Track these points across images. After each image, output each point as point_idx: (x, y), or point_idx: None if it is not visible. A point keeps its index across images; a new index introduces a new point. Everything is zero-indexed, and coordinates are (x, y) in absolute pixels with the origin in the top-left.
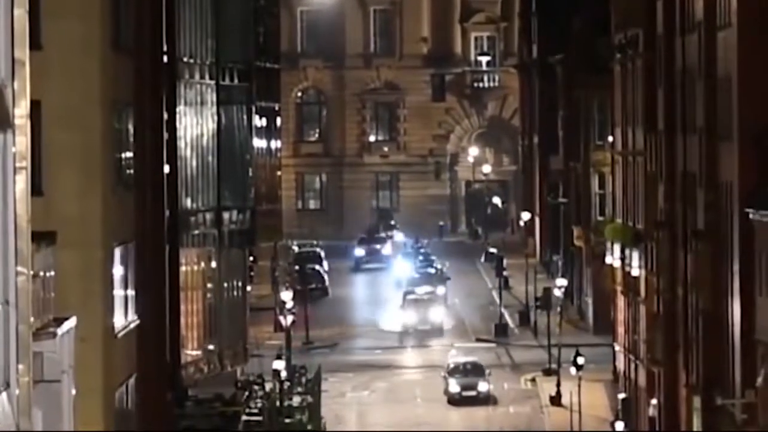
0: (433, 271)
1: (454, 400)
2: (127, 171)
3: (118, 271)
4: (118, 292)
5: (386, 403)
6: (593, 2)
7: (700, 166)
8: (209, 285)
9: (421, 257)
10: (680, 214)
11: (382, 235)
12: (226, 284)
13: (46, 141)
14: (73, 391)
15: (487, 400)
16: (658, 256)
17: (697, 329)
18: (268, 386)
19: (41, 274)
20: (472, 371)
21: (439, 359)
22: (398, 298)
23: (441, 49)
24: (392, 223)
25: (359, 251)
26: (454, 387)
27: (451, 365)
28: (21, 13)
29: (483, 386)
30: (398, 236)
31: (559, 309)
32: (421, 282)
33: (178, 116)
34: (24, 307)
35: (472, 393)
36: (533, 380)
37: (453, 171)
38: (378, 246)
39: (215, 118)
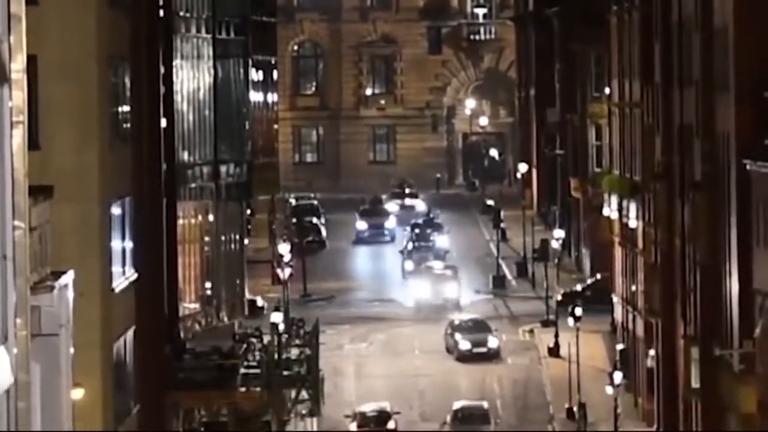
0: (429, 244)
1: (465, 358)
2: (124, 125)
3: (115, 224)
4: (116, 245)
5: (384, 356)
6: None
7: (697, 117)
8: (206, 238)
9: (417, 230)
10: (677, 166)
11: (386, 206)
12: (223, 237)
13: (43, 95)
14: (72, 349)
15: (496, 355)
16: (656, 207)
17: (694, 280)
18: (266, 339)
19: (39, 228)
20: (478, 328)
21: (436, 312)
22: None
23: (437, 2)
24: (409, 190)
25: (361, 224)
26: (465, 344)
27: (456, 322)
28: None
29: (493, 342)
30: (419, 205)
31: (556, 260)
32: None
33: (174, 70)
34: (21, 261)
35: (483, 349)
36: (531, 332)
37: (450, 123)
38: (382, 219)
39: (212, 72)
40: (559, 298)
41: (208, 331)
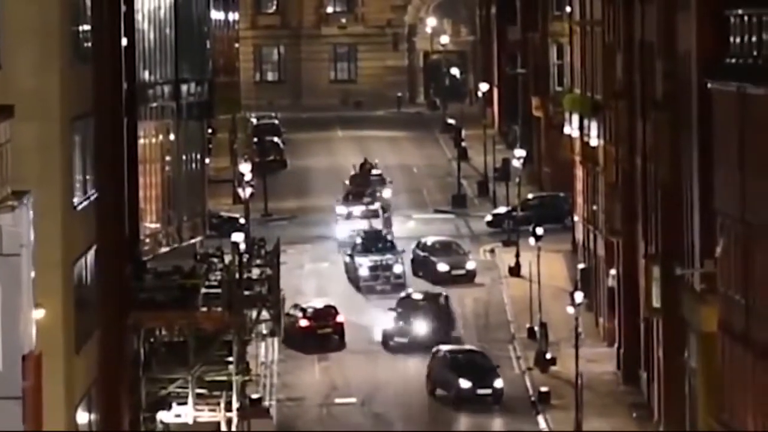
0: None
1: (443, 280)
2: (85, 44)
3: (76, 144)
4: (77, 165)
5: (345, 274)
6: None
7: (659, 35)
8: (168, 158)
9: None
10: (638, 84)
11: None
12: (184, 157)
13: (4, 14)
14: (33, 272)
15: (473, 278)
16: (617, 126)
17: (655, 199)
18: (227, 259)
19: None
20: (453, 249)
21: (399, 229)
22: None
23: None
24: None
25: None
26: (443, 266)
27: (427, 243)
28: None
29: (470, 265)
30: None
31: (517, 179)
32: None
33: None
34: None
35: (461, 272)
36: (492, 251)
37: (411, 42)
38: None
39: None
40: (489, 218)
41: (169, 250)
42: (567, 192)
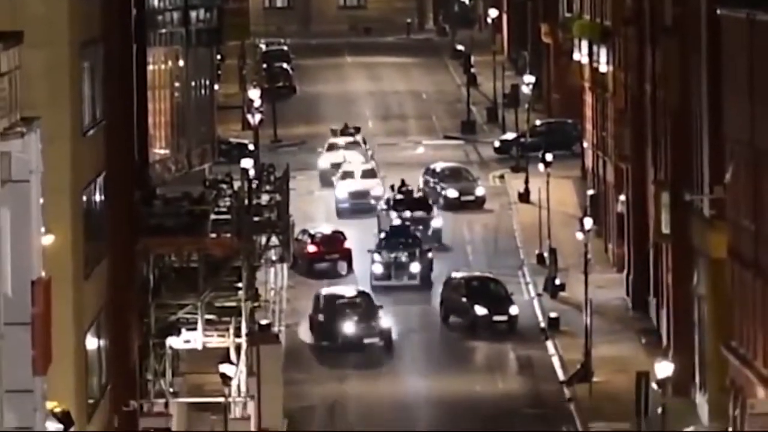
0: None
1: (453, 206)
2: None
3: (85, 70)
4: (86, 90)
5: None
6: None
7: None
8: (177, 84)
9: None
10: (648, 10)
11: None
12: (193, 83)
13: None
14: (42, 199)
15: (482, 204)
16: (626, 52)
17: (665, 125)
18: (236, 185)
19: (9, 73)
20: (462, 176)
21: (409, 155)
22: None
23: None
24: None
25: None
26: (452, 192)
27: (436, 169)
28: None
29: (480, 191)
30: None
31: (526, 105)
32: None
33: None
34: None
35: (471, 198)
36: (502, 177)
37: None
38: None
39: None
40: (497, 144)
41: (179, 177)
42: (576, 118)
